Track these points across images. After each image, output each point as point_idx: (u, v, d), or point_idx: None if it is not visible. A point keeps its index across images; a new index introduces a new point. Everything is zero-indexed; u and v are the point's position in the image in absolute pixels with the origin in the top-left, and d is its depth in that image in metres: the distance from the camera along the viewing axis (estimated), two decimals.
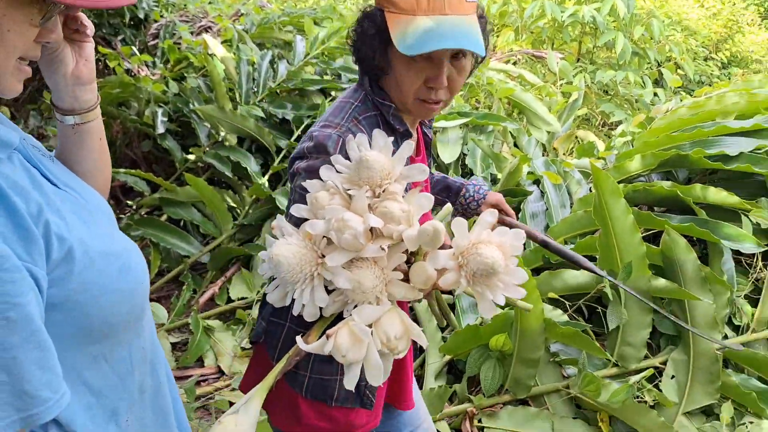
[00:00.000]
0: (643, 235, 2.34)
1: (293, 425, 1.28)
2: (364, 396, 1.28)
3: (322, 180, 1.01)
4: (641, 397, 2.14)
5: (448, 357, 2.41)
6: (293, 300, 0.97)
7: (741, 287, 2.33)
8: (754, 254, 2.38)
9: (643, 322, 2.20)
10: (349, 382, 0.91)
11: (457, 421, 2.18)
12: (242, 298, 3.07)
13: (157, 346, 0.96)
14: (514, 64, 4.66)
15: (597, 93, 4.94)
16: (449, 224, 0.97)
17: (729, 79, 7.84)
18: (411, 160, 1.29)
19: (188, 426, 1.01)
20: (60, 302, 0.74)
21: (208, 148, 3.62)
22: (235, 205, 3.49)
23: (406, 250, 0.97)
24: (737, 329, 2.27)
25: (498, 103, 3.81)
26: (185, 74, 4.01)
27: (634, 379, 2.09)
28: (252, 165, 3.50)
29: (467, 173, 3.39)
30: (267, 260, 0.96)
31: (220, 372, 2.72)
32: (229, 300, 3.10)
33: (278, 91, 3.79)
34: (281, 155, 3.54)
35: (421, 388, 2.32)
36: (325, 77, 3.91)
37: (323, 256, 0.94)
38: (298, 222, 1.01)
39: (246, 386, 1.40)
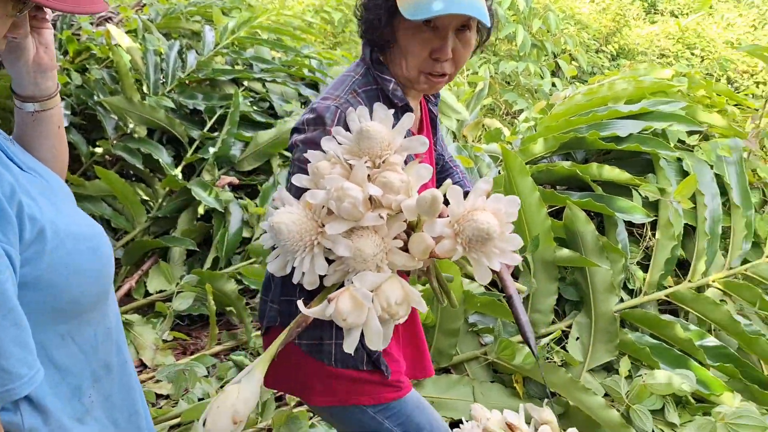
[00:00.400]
0: (548, 211, 2.53)
1: (330, 397, 1.28)
2: (380, 363, 1.29)
3: (322, 151, 1.02)
4: (551, 359, 2.33)
5: None
6: (299, 273, 0.97)
7: (633, 254, 2.58)
8: (643, 224, 2.63)
9: (550, 290, 2.39)
10: (349, 346, 0.92)
11: None
12: (160, 291, 3.02)
13: (121, 325, 0.98)
14: None
15: (500, 83, 5.19)
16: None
17: (618, 69, 8.42)
18: (412, 135, 1.29)
19: (146, 405, 1.03)
20: (31, 281, 0.76)
21: (116, 141, 3.51)
22: (147, 198, 3.41)
23: (406, 220, 0.98)
24: (631, 292, 2.51)
25: None
26: (87, 66, 3.86)
27: (543, 341, 2.27)
28: (164, 157, 3.43)
29: None
30: (267, 229, 0.97)
31: (143, 365, 2.67)
32: (147, 294, 3.04)
33: (188, 81, 3.74)
34: (194, 146, 3.50)
35: None
36: (237, 67, 3.89)
37: (323, 226, 0.95)
38: (298, 194, 1.02)
39: (270, 379, 1.27)
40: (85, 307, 0.85)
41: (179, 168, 3.39)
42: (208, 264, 3.05)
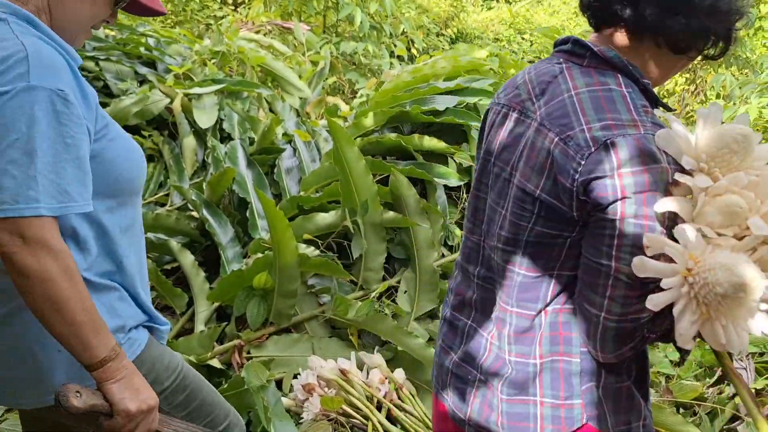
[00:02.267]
0: (378, 179, 2.77)
1: None
2: None
3: (664, 194, 0.89)
4: (383, 311, 2.57)
5: (216, 304, 2.61)
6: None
7: (452, 215, 2.90)
8: (459, 187, 2.96)
9: (380, 250, 2.63)
10: None
11: (227, 357, 2.40)
12: None
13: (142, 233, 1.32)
14: (265, 35, 4.89)
15: (343, 63, 5.40)
16: None
17: None
18: None
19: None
20: (96, 154, 1.10)
21: None
22: None
23: None
24: (450, 248, 2.83)
25: (250, 70, 4.01)
26: None
27: (373, 295, 2.51)
28: None
29: (225, 137, 3.55)
30: (727, 284, 0.80)
31: None
32: None
33: None
34: None
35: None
36: None
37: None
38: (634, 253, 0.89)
39: None
40: (124, 191, 1.19)
41: None
42: None
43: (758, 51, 7.92)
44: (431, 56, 3.80)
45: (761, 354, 2.51)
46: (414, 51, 6.69)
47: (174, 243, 2.79)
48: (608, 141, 0.92)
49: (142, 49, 3.80)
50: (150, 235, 2.89)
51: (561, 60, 1.07)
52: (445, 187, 2.89)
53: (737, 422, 2.20)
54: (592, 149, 0.93)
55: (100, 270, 1.17)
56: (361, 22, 5.03)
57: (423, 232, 2.66)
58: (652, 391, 2.45)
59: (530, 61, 9.58)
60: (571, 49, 1.07)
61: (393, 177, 2.69)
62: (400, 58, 5.30)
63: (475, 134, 2.99)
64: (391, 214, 2.62)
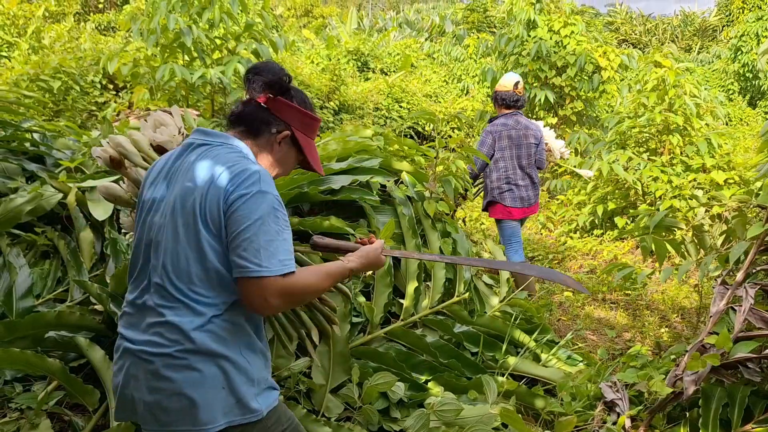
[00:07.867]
0: None
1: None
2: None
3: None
4: (298, 387, 2.67)
5: None
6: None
7: (356, 286, 3.09)
8: None
9: (289, 336, 2.74)
10: None
11: None
12: None
13: None
14: None
15: None
16: None
17: (342, 123, 9.41)
18: None
19: None
20: None
21: None
22: None
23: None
24: (364, 327, 3.00)
25: None
26: None
27: (285, 374, 2.61)
28: None
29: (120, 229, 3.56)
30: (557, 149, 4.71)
31: None
32: None
33: None
34: None
35: None
36: None
37: None
38: None
39: None
40: None
41: None
42: None
43: (603, 112, 8.97)
44: (321, 137, 4.06)
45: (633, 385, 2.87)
46: None
47: (82, 339, 2.75)
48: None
49: (28, 144, 3.76)
50: (52, 333, 2.83)
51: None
52: None
53: None
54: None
55: (261, 339, 1.65)
56: None
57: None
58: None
59: (410, 128, 10.22)
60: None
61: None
62: None
63: (369, 210, 3.24)
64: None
